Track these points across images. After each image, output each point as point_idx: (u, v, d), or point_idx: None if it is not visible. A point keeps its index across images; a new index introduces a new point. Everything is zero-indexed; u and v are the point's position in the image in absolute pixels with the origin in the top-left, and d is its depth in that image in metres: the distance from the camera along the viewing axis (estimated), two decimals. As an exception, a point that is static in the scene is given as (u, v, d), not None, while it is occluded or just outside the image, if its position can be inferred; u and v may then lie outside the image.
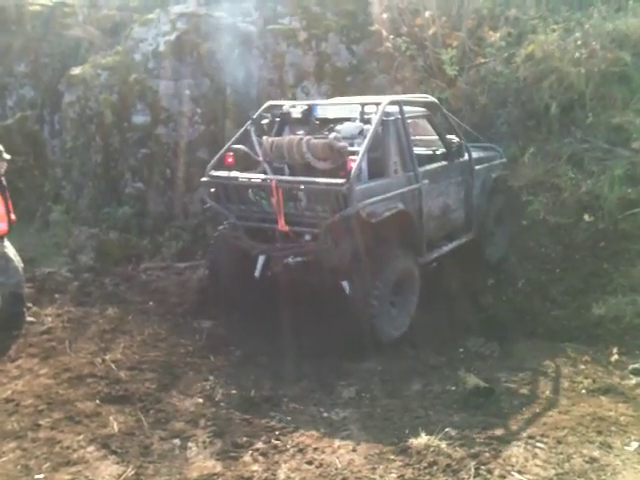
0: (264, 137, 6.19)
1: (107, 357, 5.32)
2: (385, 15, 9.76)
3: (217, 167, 6.14)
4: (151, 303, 6.69)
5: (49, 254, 8.26)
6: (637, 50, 8.36)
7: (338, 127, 5.92)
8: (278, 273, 6.10)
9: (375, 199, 5.48)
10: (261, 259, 6.18)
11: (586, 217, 7.41)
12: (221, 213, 6.19)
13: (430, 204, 6.31)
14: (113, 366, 5.15)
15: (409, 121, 6.66)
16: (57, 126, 10.04)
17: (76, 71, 9.75)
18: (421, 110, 6.74)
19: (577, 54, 8.24)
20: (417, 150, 6.59)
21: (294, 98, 9.17)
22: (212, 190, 6.08)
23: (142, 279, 7.44)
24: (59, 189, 9.51)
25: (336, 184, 5.26)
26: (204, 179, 6.14)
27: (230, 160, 6.07)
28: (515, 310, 6.81)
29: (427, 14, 9.39)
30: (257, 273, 6.19)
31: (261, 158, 6.21)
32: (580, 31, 8.48)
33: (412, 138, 6.28)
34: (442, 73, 9.14)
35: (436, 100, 7.09)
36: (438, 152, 6.72)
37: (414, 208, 6.01)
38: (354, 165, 5.27)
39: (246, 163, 6.40)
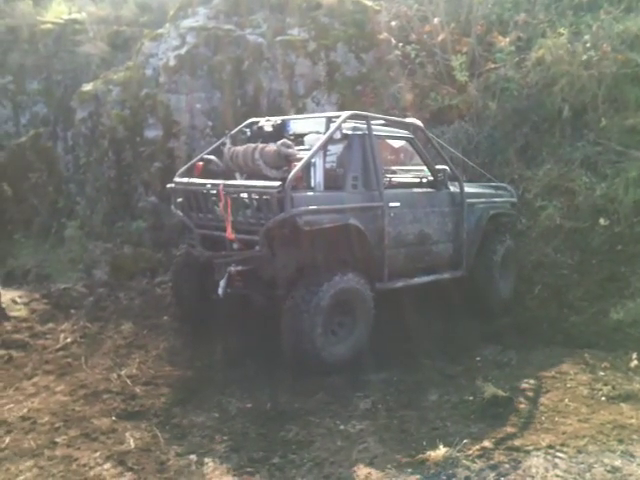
0: (226, 147, 6.11)
1: (122, 372, 5.32)
2: (393, 23, 9.77)
3: (188, 176, 6.12)
4: (165, 317, 6.71)
5: (64, 270, 8.31)
6: (649, 51, 8.31)
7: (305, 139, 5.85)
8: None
9: (316, 207, 5.19)
10: (224, 277, 5.62)
11: (601, 221, 7.36)
12: (183, 222, 6.08)
13: (401, 229, 5.99)
14: (129, 381, 5.15)
15: (398, 144, 6.63)
16: (70, 142, 10.11)
17: (88, 87, 9.84)
18: (401, 132, 6.52)
19: (586, 57, 8.17)
20: (403, 175, 6.55)
21: (304, 109, 9.18)
22: (179, 200, 6.03)
23: (156, 293, 7.46)
24: (73, 205, 9.57)
25: (269, 187, 5.07)
26: (169, 185, 6.17)
27: (199, 169, 6.03)
28: (532, 317, 6.76)
29: (436, 21, 9.40)
30: (220, 291, 5.62)
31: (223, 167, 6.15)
32: (589, 33, 8.42)
33: (393, 158, 6.15)
34: (452, 79, 9.12)
35: (421, 124, 6.67)
36: (424, 180, 6.50)
37: (374, 228, 5.67)
38: (293, 170, 5.08)
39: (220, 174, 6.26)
